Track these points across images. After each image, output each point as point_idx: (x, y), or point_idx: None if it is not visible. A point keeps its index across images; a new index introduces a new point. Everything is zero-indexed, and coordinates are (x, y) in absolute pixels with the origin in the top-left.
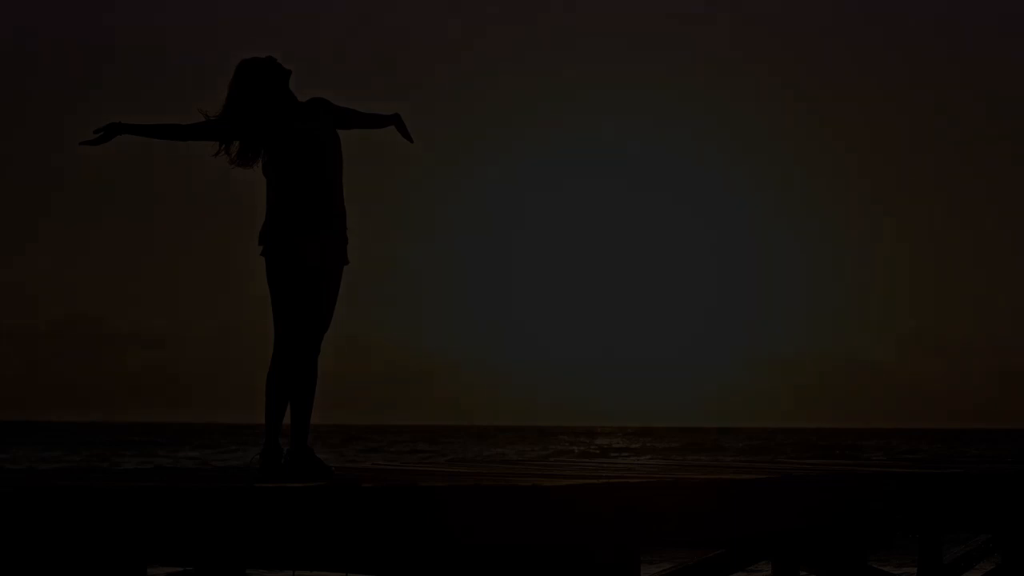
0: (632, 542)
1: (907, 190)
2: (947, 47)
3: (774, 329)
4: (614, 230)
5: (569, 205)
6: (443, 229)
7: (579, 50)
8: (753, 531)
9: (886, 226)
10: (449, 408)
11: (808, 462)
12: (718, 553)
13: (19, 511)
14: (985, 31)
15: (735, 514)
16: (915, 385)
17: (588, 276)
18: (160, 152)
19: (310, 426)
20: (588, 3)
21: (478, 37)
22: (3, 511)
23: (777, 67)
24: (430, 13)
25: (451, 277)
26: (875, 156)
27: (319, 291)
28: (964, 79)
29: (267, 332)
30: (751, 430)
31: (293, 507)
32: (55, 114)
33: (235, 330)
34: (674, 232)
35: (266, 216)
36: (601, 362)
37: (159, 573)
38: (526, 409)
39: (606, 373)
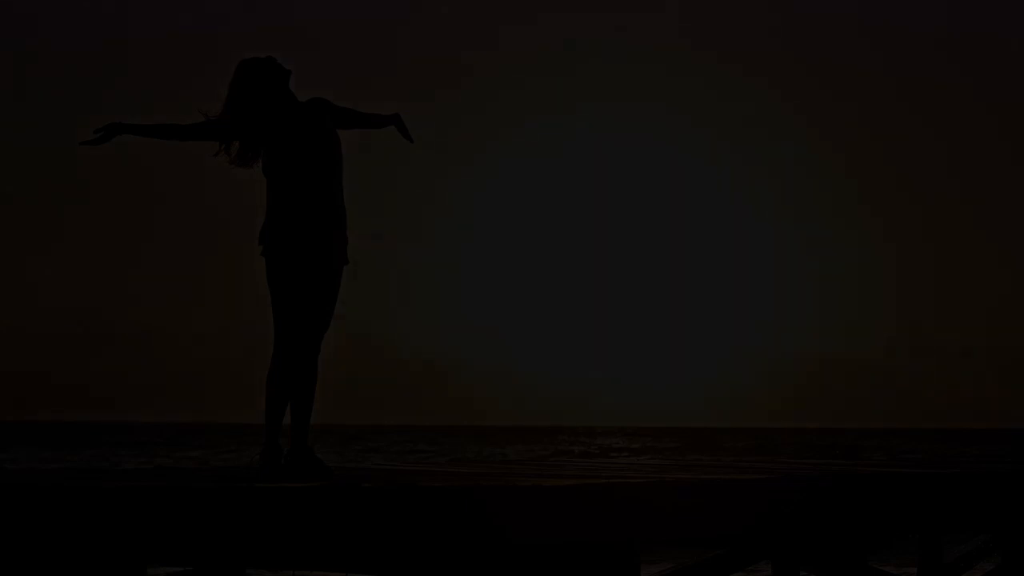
0: (632, 542)
1: (908, 190)
2: (945, 51)
3: (775, 329)
4: (615, 230)
5: (571, 204)
6: (444, 229)
7: (581, 47)
8: (753, 531)
9: (888, 227)
10: (449, 408)
11: (808, 462)
12: (718, 553)
13: (19, 511)
14: (984, 35)
15: (735, 514)
16: (915, 385)
17: (588, 276)
18: (160, 152)
19: (310, 426)
20: (587, 2)
21: (477, 37)
22: (3, 511)
23: (774, 66)
24: (428, 12)
25: (452, 277)
26: (874, 157)
27: (319, 291)
28: (962, 80)
29: (267, 332)
30: (751, 430)
31: (293, 507)
32: (55, 113)
33: (235, 330)
34: (675, 232)
35: (266, 216)
36: (601, 362)
37: (159, 573)
38: (526, 409)
39: (606, 373)
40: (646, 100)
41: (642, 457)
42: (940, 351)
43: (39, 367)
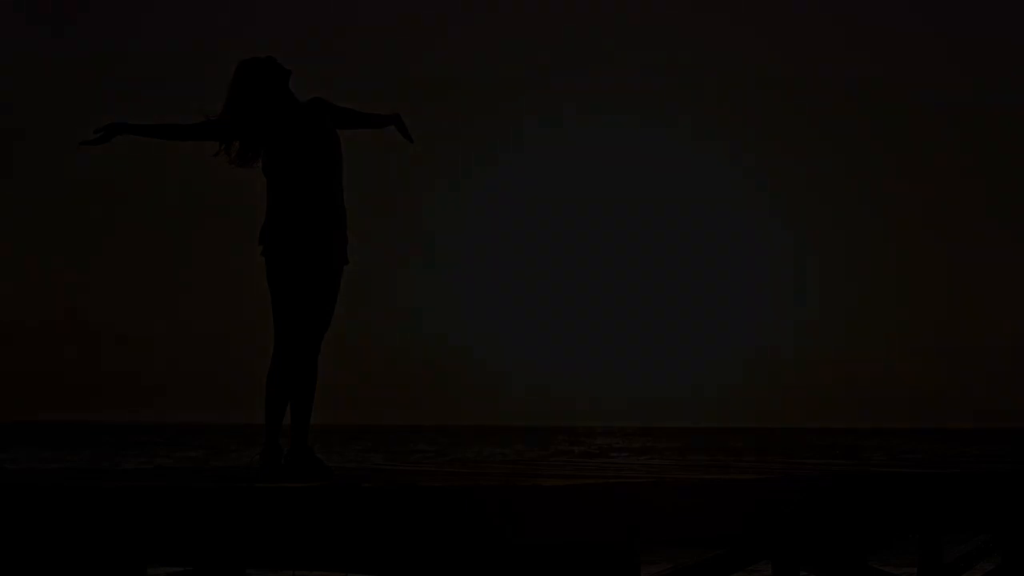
0: (632, 542)
1: (911, 190)
2: (945, 55)
3: (776, 330)
4: (616, 229)
5: (572, 203)
6: (445, 229)
7: (581, 45)
8: (753, 531)
9: (889, 229)
10: (449, 408)
11: (808, 462)
12: (718, 553)
13: (19, 511)
14: (986, 40)
15: (735, 514)
16: (914, 385)
17: (589, 276)
18: (160, 152)
19: (310, 426)
20: (593, 2)
21: (473, 32)
22: (4, 511)
23: (779, 70)
24: (424, 10)
25: (451, 277)
26: (876, 156)
27: (319, 291)
28: (962, 84)
29: (267, 332)
30: (751, 430)
31: (293, 507)
32: (55, 114)
33: (235, 330)
34: (676, 232)
35: (266, 216)
36: (602, 362)
37: (159, 573)
38: (526, 409)
39: (606, 373)
40: (649, 98)
41: (642, 457)
42: (942, 352)
43: (40, 367)
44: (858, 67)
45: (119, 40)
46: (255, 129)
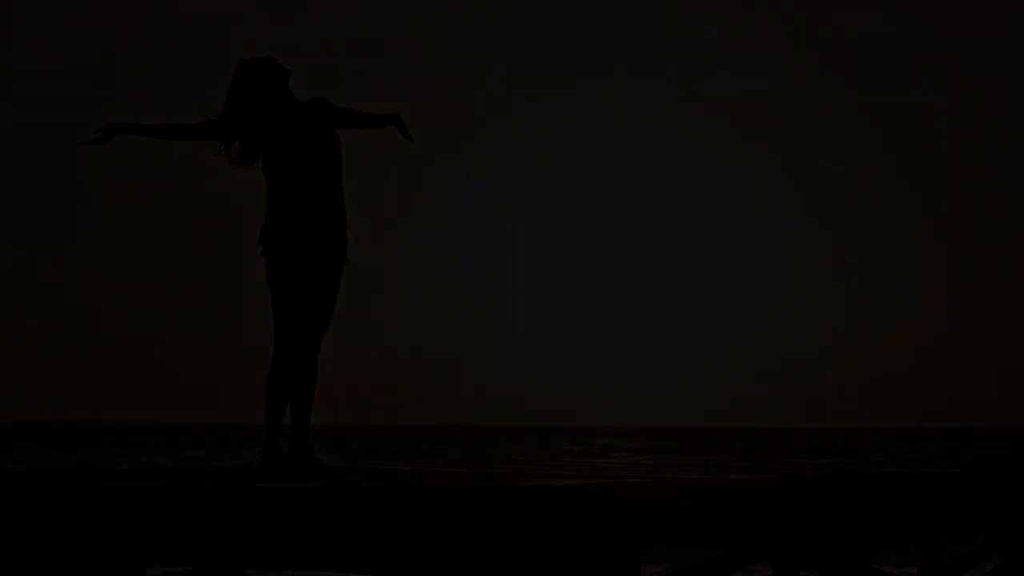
0: (632, 542)
1: (913, 191)
2: (944, 55)
3: (775, 330)
4: (616, 229)
5: (572, 203)
6: (445, 228)
7: (581, 46)
8: (753, 531)
9: (890, 228)
10: (450, 408)
11: (808, 462)
12: (718, 553)
13: (20, 511)
14: (986, 40)
15: (735, 514)
16: (915, 385)
17: (589, 275)
18: (160, 152)
19: (310, 426)
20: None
21: (474, 31)
22: (4, 511)
23: (779, 69)
24: (424, 10)
25: (451, 276)
26: (879, 156)
27: (319, 291)
28: (962, 84)
29: (267, 332)
30: (751, 430)
31: (293, 507)
32: (55, 114)
33: (235, 330)
34: (676, 231)
35: (266, 216)
36: (602, 362)
37: (159, 573)
38: (526, 409)
39: (606, 373)
40: (648, 98)
41: (642, 457)
42: (941, 352)
43: (40, 367)
44: (859, 67)
45: (119, 40)
46: (255, 129)
